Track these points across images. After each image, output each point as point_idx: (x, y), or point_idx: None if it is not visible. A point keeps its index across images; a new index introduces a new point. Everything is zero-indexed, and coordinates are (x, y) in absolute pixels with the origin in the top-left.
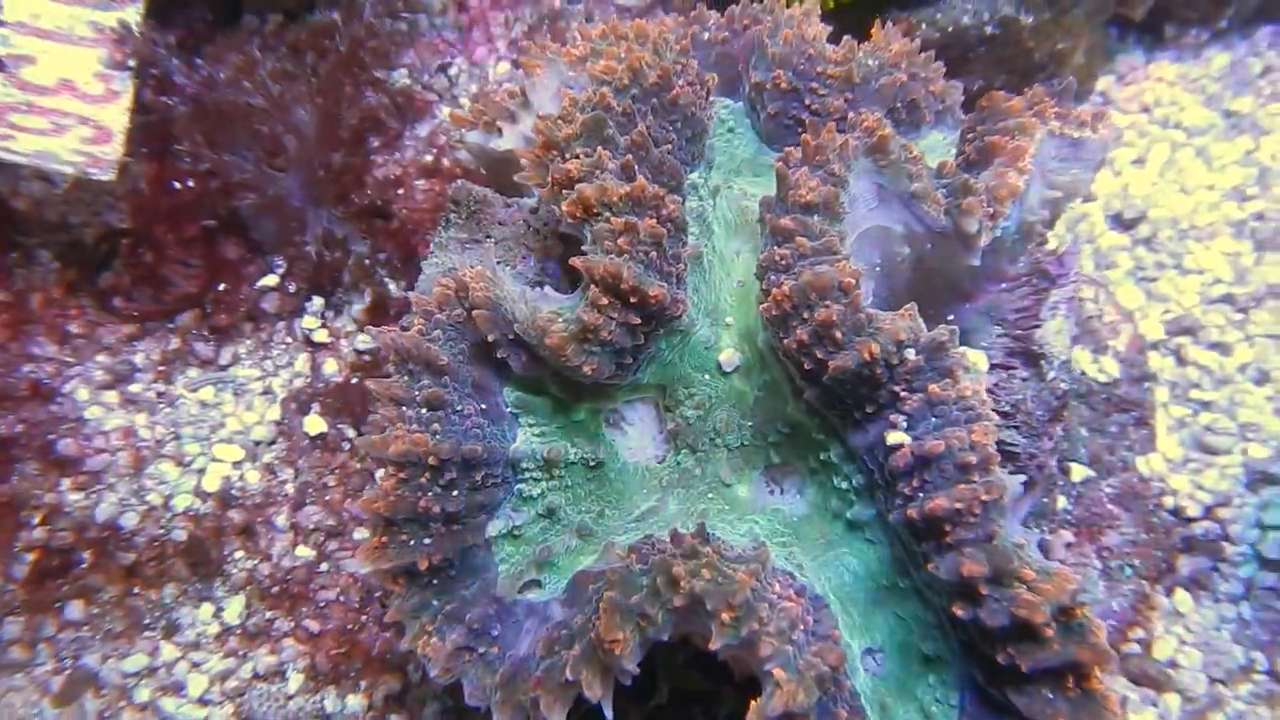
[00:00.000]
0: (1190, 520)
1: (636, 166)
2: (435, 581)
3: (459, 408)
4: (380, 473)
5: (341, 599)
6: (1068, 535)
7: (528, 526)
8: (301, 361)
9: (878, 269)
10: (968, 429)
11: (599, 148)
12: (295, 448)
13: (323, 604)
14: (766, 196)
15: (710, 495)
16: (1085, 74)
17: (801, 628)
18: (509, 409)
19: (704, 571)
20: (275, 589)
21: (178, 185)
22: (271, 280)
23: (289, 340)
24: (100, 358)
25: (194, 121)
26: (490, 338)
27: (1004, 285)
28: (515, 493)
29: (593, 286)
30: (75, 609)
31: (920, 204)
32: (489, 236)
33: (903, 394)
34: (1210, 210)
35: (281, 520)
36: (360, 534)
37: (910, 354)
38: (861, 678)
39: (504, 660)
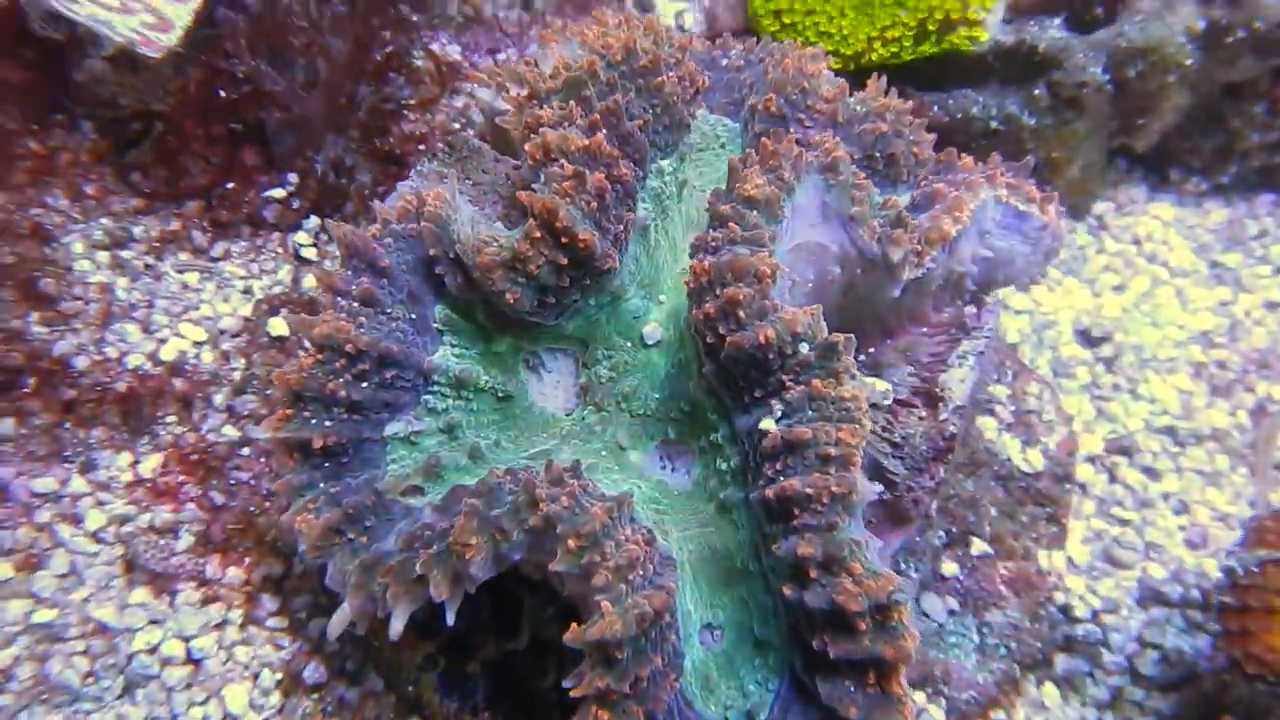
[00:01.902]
0: (1076, 620)
1: (604, 130)
2: (326, 464)
3: (388, 310)
4: (302, 352)
5: (252, 483)
6: (952, 602)
7: (425, 436)
8: (285, 271)
9: (810, 284)
10: (837, 426)
11: (573, 104)
12: (255, 343)
13: (233, 482)
14: (717, 188)
15: (604, 453)
16: (1080, 190)
17: (640, 572)
18: (436, 325)
19: (563, 499)
20: (194, 457)
21: (221, 93)
22: (279, 193)
23: (280, 250)
24: (104, 220)
25: (248, 32)
26: (432, 251)
27: (924, 329)
28: (422, 402)
29: (530, 220)
30: (6, 425)
31: (858, 227)
32: (468, 178)
33: (788, 383)
34: (1175, 347)
35: (219, 399)
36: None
37: (804, 348)
38: (696, 648)
39: (368, 550)
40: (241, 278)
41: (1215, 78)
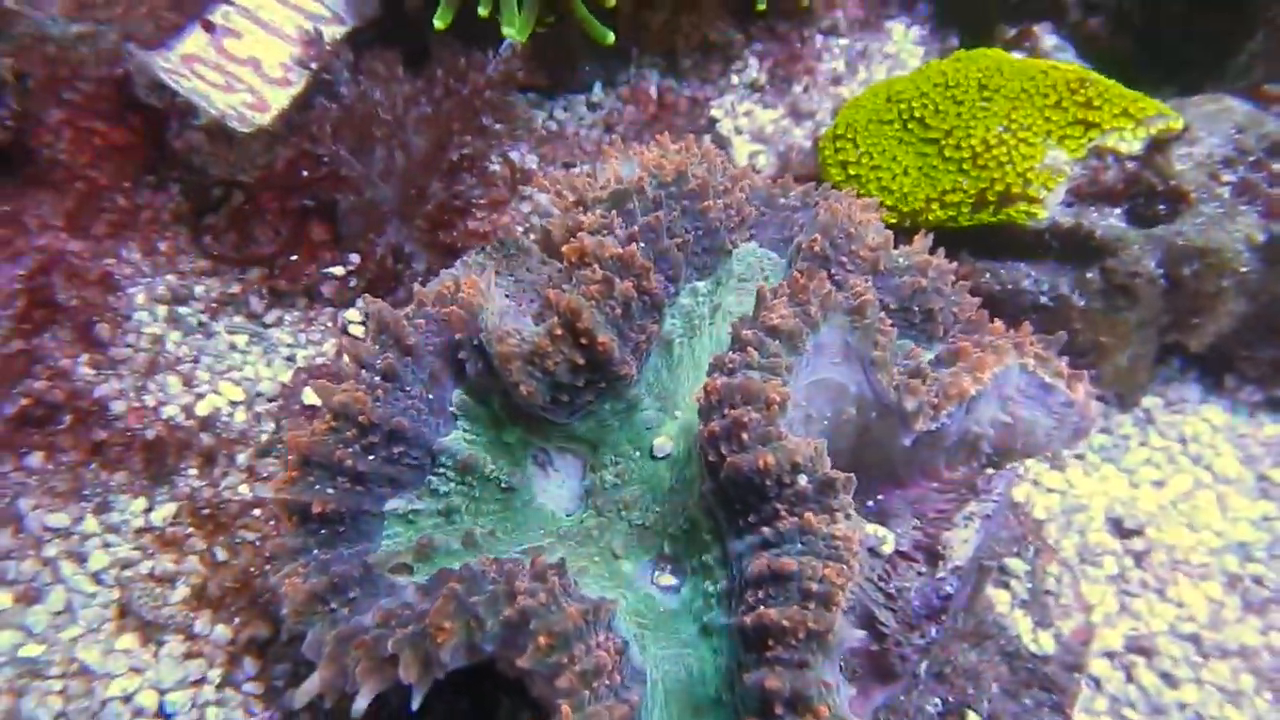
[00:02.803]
0: None
1: (641, 242)
2: (323, 530)
3: (408, 387)
4: (318, 419)
5: (257, 544)
6: None
7: (423, 517)
8: (330, 345)
9: (826, 422)
10: (824, 563)
11: (614, 214)
12: (287, 409)
13: (239, 541)
14: (745, 315)
15: (597, 559)
16: (1128, 380)
17: (607, 681)
18: (452, 408)
19: (541, 594)
20: (206, 511)
21: (304, 172)
22: (338, 270)
23: (329, 325)
24: (170, 276)
25: (336, 120)
26: (458, 336)
27: (935, 485)
28: (426, 482)
29: (554, 318)
30: (36, 459)
31: (877, 371)
32: (512, 275)
33: (783, 513)
34: (1209, 554)
35: (242, 459)
36: None
37: (802, 480)
38: None
39: (348, 622)
40: (288, 345)
41: (1275, 291)
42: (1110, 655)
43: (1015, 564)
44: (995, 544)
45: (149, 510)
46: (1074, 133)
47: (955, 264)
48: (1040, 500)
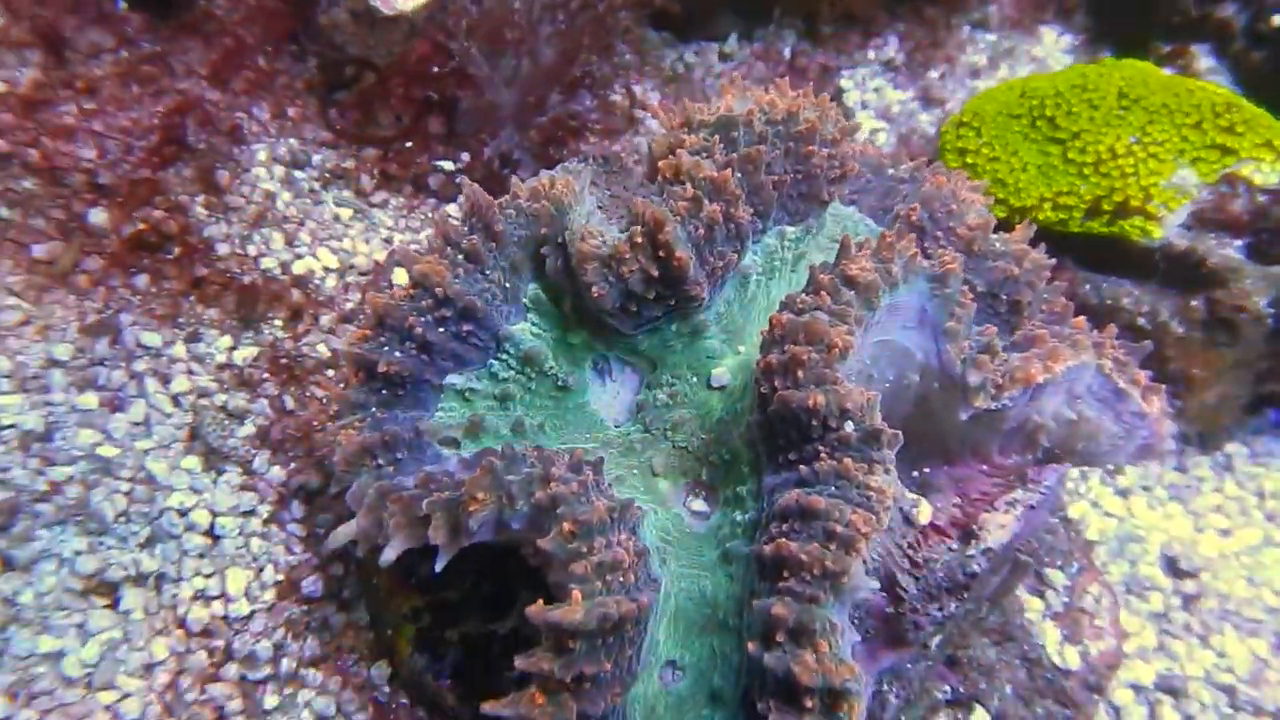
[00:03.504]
0: None
1: (738, 172)
2: (384, 390)
3: (488, 271)
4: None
5: (324, 400)
6: None
7: (480, 397)
8: (427, 236)
9: (888, 385)
10: (853, 509)
11: (716, 138)
12: (376, 283)
13: (309, 395)
14: (827, 261)
15: (635, 471)
16: (1213, 420)
17: (621, 578)
18: (525, 300)
19: (574, 484)
20: (284, 361)
21: (435, 68)
22: (448, 165)
23: (429, 215)
24: (292, 141)
25: (473, 19)
26: (544, 230)
27: (984, 467)
28: (488, 365)
29: (636, 226)
30: (142, 280)
31: (948, 342)
32: (609, 190)
33: (823, 455)
34: (1265, 611)
35: (325, 321)
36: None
37: (849, 426)
38: (653, 680)
39: (391, 479)
40: (388, 227)
41: None
42: (1137, 689)
43: (1055, 575)
44: (1037, 547)
45: (233, 349)
46: (1209, 156)
47: (1053, 261)
48: (1096, 522)
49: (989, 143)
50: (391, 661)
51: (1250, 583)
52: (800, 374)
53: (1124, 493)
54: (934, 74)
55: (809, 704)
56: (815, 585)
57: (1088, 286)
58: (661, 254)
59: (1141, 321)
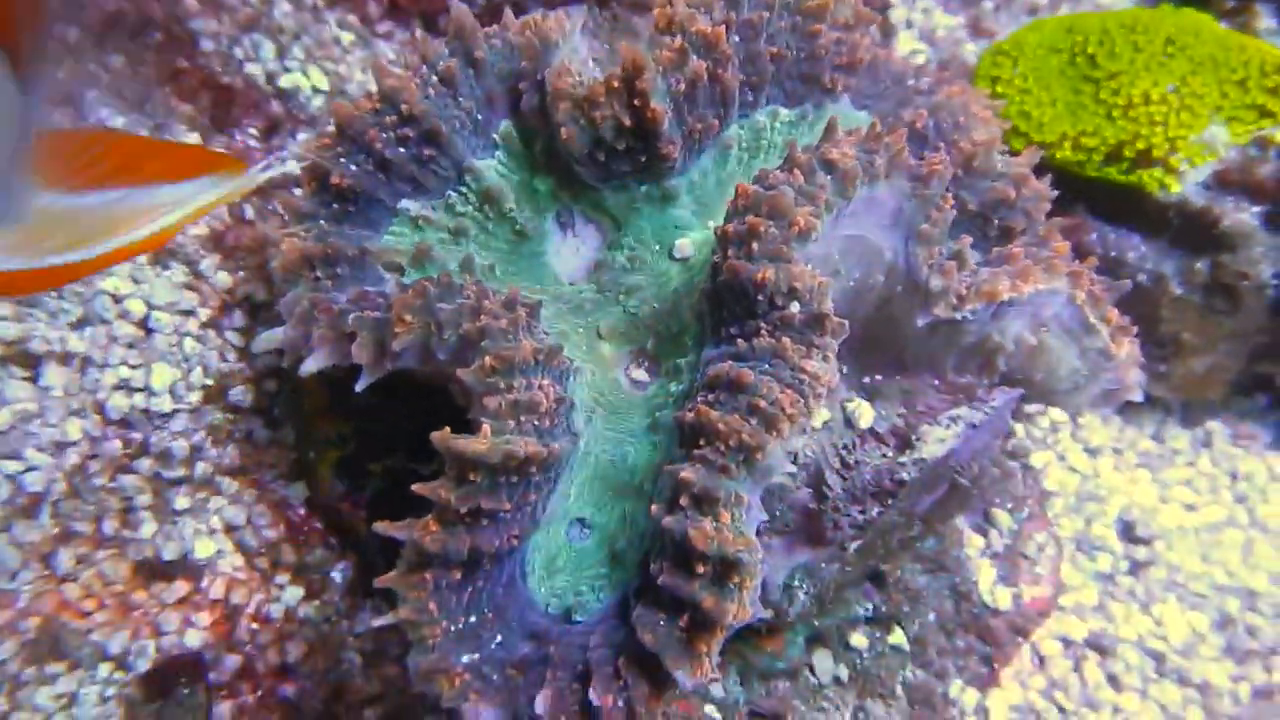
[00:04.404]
0: None
1: (735, 34)
2: (335, 205)
3: (461, 97)
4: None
5: (286, 217)
6: (843, 672)
7: (432, 228)
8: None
9: (852, 284)
10: (782, 389)
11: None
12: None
13: (271, 209)
14: (808, 142)
15: (581, 330)
16: (1198, 390)
17: (535, 421)
18: (496, 135)
19: (504, 321)
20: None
21: None
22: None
23: None
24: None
25: None
26: (524, 64)
27: (936, 382)
28: (445, 196)
29: (616, 70)
30: (118, 59)
31: (918, 245)
32: (608, 45)
33: (764, 332)
34: (1212, 589)
35: (303, 137)
36: None
37: (794, 306)
38: (559, 534)
39: (327, 293)
40: (389, 60)
41: None
42: (1066, 642)
43: (1003, 517)
44: (988, 483)
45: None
46: (1246, 116)
47: (1055, 193)
48: (1058, 475)
49: (1024, 73)
50: (310, 484)
51: (1204, 559)
52: (755, 246)
53: (1093, 451)
54: (989, 4)
55: (700, 570)
56: (729, 456)
57: (1094, 235)
58: (636, 103)
59: (1143, 278)
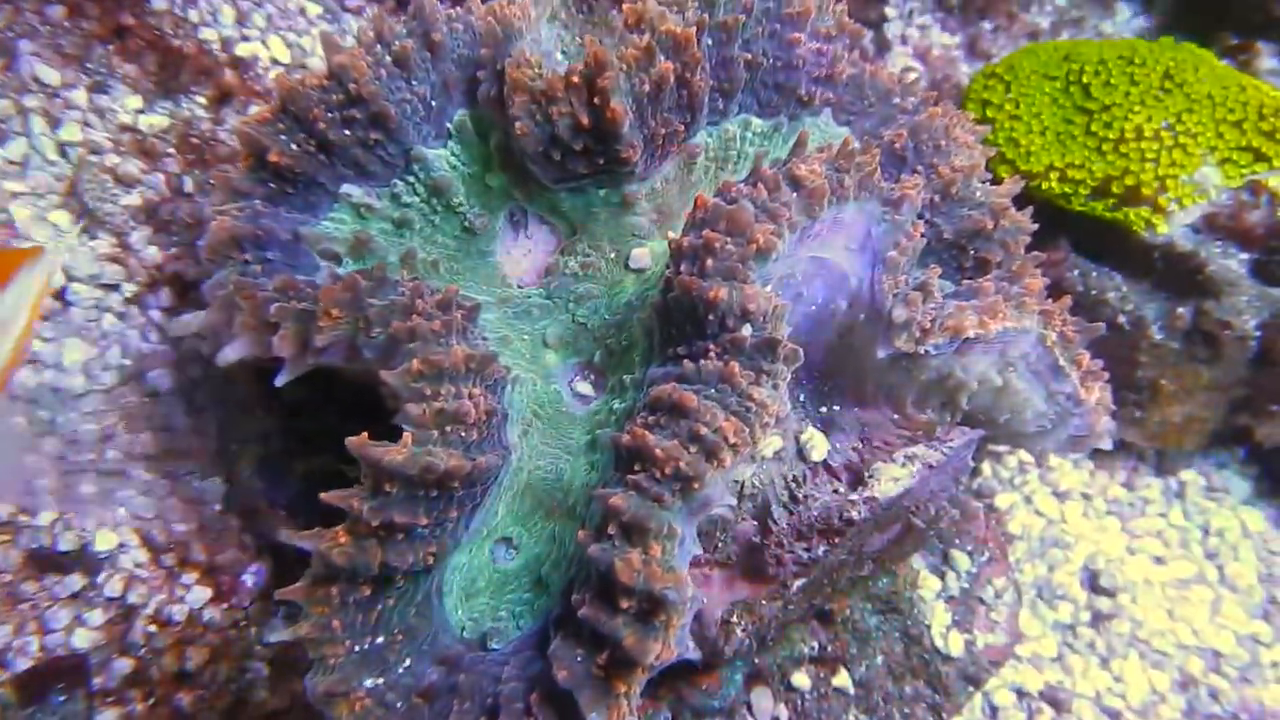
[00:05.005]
0: None
1: (707, 37)
2: (272, 184)
3: (414, 81)
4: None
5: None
6: (783, 712)
7: (375, 218)
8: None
9: (814, 308)
10: (726, 416)
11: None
12: None
13: (213, 184)
14: (776, 157)
15: (526, 338)
16: (1174, 439)
17: (462, 433)
18: (450, 125)
19: (436, 323)
20: (196, 141)
21: None
22: None
23: None
24: None
25: None
26: (484, 51)
27: (895, 417)
28: (391, 185)
29: (578, 67)
30: (57, 11)
31: (884, 273)
32: (578, 37)
33: (712, 354)
34: (1176, 648)
35: (254, 110)
36: None
37: (746, 329)
38: (482, 553)
39: (250, 276)
40: (344, 36)
41: None
42: (1021, 693)
43: (961, 559)
44: (946, 524)
45: (141, 112)
46: (1240, 159)
47: (1035, 226)
48: (1022, 518)
49: (1015, 99)
50: (229, 479)
51: (1169, 615)
52: (710, 263)
53: (1062, 495)
54: (988, 25)
55: (624, 604)
56: (664, 485)
57: (1076, 272)
58: (596, 101)
59: (1122, 320)
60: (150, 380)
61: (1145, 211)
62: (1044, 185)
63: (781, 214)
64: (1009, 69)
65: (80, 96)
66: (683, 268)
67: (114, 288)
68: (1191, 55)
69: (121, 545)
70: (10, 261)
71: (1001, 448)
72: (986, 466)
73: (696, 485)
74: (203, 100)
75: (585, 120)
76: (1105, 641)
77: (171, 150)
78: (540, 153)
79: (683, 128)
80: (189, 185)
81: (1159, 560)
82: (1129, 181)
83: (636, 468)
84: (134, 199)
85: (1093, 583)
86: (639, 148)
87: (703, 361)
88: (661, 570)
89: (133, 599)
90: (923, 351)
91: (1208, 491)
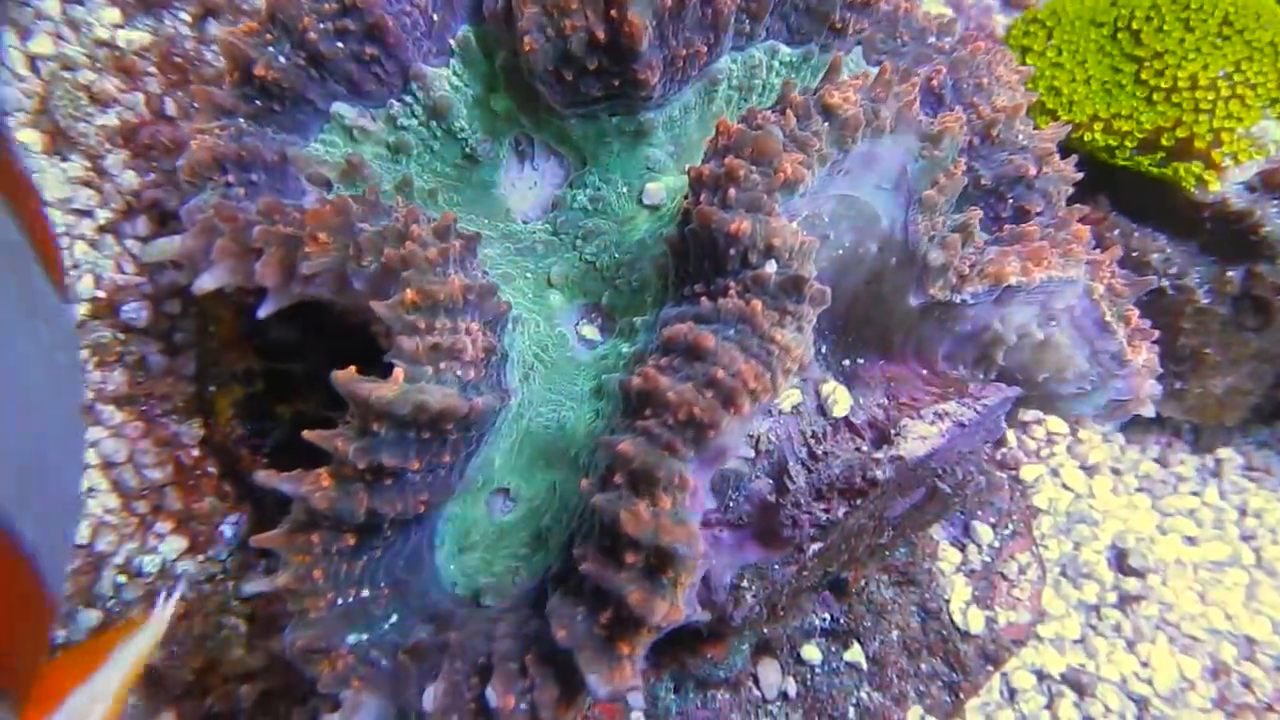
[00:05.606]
0: None
1: None
2: (259, 100)
3: None
4: None
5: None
6: (792, 687)
7: (369, 140)
8: None
9: (840, 252)
10: (746, 359)
11: None
12: None
13: (196, 107)
14: (809, 86)
15: (529, 275)
16: (1214, 413)
17: (458, 371)
18: (452, 41)
19: (432, 251)
20: (179, 60)
21: None
22: None
23: None
24: None
25: None
26: None
27: (925, 372)
28: (387, 105)
29: None
30: None
31: (919, 214)
32: None
33: (733, 291)
34: (1207, 633)
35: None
36: None
37: (770, 266)
38: (479, 505)
39: (232, 199)
40: None
41: None
42: (1041, 675)
43: (984, 531)
44: (970, 491)
45: (120, 27)
46: None
47: (1080, 175)
48: (1049, 491)
49: (1057, 46)
50: (208, 423)
51: (1201, 599)
52: (732, 192)
53: (1091, 469)
54: None
55: (630, 559)
56: (676, 431)
57: (1117, 231)
58: (613, 13)
59: (1165, 283)
60: (124, 314)
61: (1196, 167)
62: (1086, 136)
63: (811, 144)
64: (1051, 14)
65: (52, 6)
66: (702, 198)
67: (86, 213)
68: (1254, 0)
69: (90, 489)
70: (105, 644)
71: (1029, 415)
72: (1012, 436)
73: (712, 433)
74: (186, 17)
75: (601, 34)
76: (1132, 624)
77: (153, 70)
78: (550, 71)
79: (705, 50)
80: (171, 108)
81: (1191, 540)
82: (1181, 134)
83: (647, 413)
84: (110, 119)
85: (1120, 562)
86: (658, 69)
87: (722, 300)
88: (671, 523)
89: (101, 547)
90: (959, 300)
91: (1246, 471)
